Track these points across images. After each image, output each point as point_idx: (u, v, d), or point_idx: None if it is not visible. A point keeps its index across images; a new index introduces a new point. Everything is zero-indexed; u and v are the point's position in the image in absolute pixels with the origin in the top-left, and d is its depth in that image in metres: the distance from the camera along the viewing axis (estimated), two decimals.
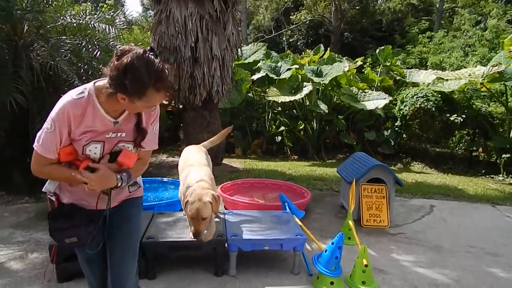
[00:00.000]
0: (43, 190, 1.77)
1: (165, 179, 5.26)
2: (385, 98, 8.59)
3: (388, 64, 9.97)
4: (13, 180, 4.73)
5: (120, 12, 5.72)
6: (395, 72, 9.89)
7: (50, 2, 5.18)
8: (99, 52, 5.13)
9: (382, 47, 10.25)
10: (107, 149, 1.66)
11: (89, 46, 5.16)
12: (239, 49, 6.86)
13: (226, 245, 2.97)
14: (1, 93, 4.15)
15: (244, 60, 9.61)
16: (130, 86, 1.47)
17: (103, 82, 1.60)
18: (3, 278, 2.82)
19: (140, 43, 6.80)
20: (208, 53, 6.03)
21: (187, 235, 2.99)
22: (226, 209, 4.09)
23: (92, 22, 5.19)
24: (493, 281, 3.12)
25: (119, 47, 1.55)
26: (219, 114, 7.13)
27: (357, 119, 9.33)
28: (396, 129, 9.08)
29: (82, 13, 5.50)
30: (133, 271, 1.90)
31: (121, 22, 5.57)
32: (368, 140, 9.07)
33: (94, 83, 1.63)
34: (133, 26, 12.36)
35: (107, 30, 5.25)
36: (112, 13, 5.59)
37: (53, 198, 1.73)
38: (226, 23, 6.21)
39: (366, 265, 2.85)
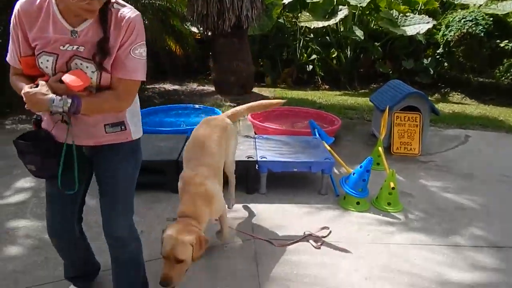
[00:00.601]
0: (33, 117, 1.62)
1: (197, 106, 5.37)
2: (428, 22, 7.89)
3: None
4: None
5: None
6: None
7: None
8: None
9: None
10: (60, 65, 1.42)
11: None
12: None
13: (256, 167, 3.11)
14: None
15: None
16: None
17: None
18: None
19: None
20: None
21: None
22: (256, 134, 4.19)
23: None
24: None
25: None
26: (249, 42, 6.92)
27: (395, 46, 8.74)
28: (437, 57, 8.47)
29: None
30: (126, 223, 1.70)
31: None
32: (405, 70, 8.59)
33: None
34: None
35: None
36: None
37: (33, 121, 1.60)
38: None
39: (393, 188, 2.92)
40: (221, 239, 2.40)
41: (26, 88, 1.38)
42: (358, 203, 2.96)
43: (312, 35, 9.32)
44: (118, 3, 1.46)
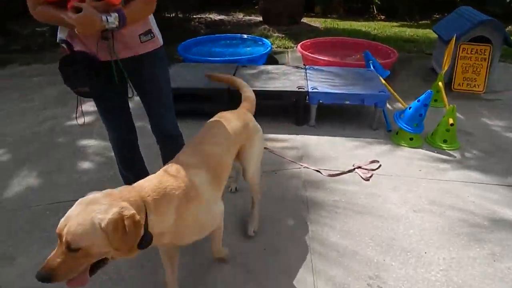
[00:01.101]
0: (57, 41, 1.63)
1: (245, 36, 5.23)
2: None
3: None
4: None
5: None
6: None
7: None
8: None
9: None
10: None
11: None
12: None
13: (307, 98, 3.07)
14: None
15: None
16: None
17: None
18: None
19: None
20: None
21: (270, 85, 3.12)
22: (305, 65, 4.06)
23: None
24: None
25: None
26: None
27: None
28: None
29: None
30: (173, 120, 1.89)
31: None
32: None
33: None
34: None
35: None
36: None
37: (65, 46, 1.59)
38: None
39: (451, 124, 2.78)
40: (215, 257, 1.82)
41: (69, 13, 1.37)
42: (411, 138, 2.87)
43: None
44: None
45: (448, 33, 3.85)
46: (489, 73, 3.79)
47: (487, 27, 3.70)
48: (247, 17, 7.63)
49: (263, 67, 3.56)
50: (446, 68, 3.49)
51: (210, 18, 7.52)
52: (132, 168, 2.02)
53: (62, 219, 1.08)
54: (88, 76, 1.57)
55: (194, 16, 7.20)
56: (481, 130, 3.15)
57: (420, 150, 2.85)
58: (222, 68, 3.48)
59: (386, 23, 7.61)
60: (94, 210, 1.08)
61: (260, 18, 6.88)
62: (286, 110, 3.25)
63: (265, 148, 2.76)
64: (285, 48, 5.21)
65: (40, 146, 2.86)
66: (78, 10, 1.36)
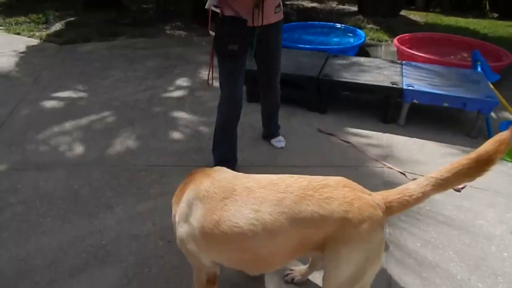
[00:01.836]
0: (206, 7, 1.98)
1: (338, 25, 5.07)
2: None
3: None
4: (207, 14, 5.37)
5: None
6: None
7: None
8: None
9: None
10: None
11: None
12: None
13: (400, 95, 2.89)
14: None
15: None
16: None
17: None
18: (208, 91, 3.43)
19: None
20: None
21: (361, 78, 3.01)
22: (399, 60, 3.81)
23: None
24: None
25: None
26: None
27: None
28: None
29: None
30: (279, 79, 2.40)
31: None
32: None
33: None
34: None
35: None
36: None
37: (218, 10, 1.93)
38: None
39: None
40: None
41: None
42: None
43: None
44: None
45: None
46: None
47: None
48: (341, 6, 7.36)
49: (355, 59, 3.44)
50: None
51: (302, 5, 7.43)
52: (236, 126, 2.32)
53: None
54: (238, 36, 1.97)
55: (287, 2, 7.18)
56: None
57: None
58: (313, 55, 3.45)
59: (500, 22, 6.71)
60: None
61: (355, 8, 6.59)
62: (374, 106, 3.11)
63: (347, 142, 2.70)
64: (379, 41, 4.94)
65: (140, 112, 3.17)
66: None
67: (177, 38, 5.28)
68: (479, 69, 3.22)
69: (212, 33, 2.01)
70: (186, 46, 4.84)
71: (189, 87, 3.63)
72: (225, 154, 2.34)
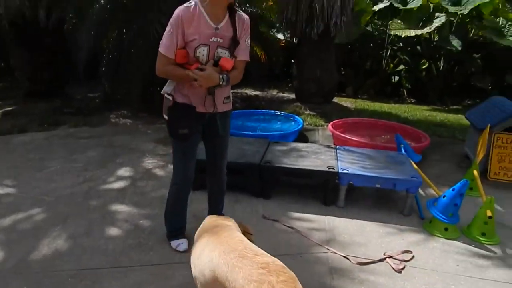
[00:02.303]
0: (161, 92, 2.14)
1: (278, 112, 5.47)
2: None
3: None
4: (156, 102, 5.53)
5: None
6: None
7: None
8: None
9: None
10: (211, 54, 2.03)
11: None
12: None
13: (337, 179, 3.07)
14: (146, 22, 4.69)
15: None
16: None
17: None
18: (152, 180, 3.50)
19: None
20: None
21: (300, 163, 3.18)
22: (335, 145, 4.13)
23: None
24: None
25: None
26: (333, 50, 6.84)
27: (498, 59, 7.85)
28: None
29: None
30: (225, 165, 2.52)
31: None
32: (508, 86, 7.66)
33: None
34: None
35: None
36: None
37: (170, 98, 2.10)
38: None
39: (490, 217, 2.64)
40: None
41: (196, 71, 1.96)
42: (446, 229, 2.74)
43: (401, 44, 8.84)
44: (238, 10, 2.12)
45: (482, 122, 3.85)
46: None
47: None
48: (281, 94, 8.05)
49: (294, 145, 3.66)
50: (481, 156, 3.43)
51: (246, 93, 8.01)
52: (187, 200, 2.44)
53: None
54: (188, 121, 2.13)
55: (231, 91, 7.70)
56: None
57: (456, 242, 2.70)
58: (254, 142, 3.62)
59: (417, 106, 7.74)
60: None
61: (293, 95, 7.24)
62: (314, 189, 3.24)
63: (291, 228, 2.73)
64: (316, 126, 5.38)
65: (75, 207, 2.98)
66: (201, 70, 1.97)
67: (122, 127, 5.30)
68: (403, 151, 3.58)
69: (165, 116, 2.16)
70: (131, 135, 4.85)
71: (131, 177, 3.54)
72: (179, 223, 2.50)
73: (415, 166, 3.27)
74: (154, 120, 5.39)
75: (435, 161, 4.23)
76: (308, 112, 6.09)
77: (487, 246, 2.65)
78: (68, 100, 6.66)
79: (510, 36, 7.23)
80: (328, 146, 3.66)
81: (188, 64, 2.03)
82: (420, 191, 3.37)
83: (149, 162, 3.93)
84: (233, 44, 2.06)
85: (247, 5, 5.97)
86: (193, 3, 2.00)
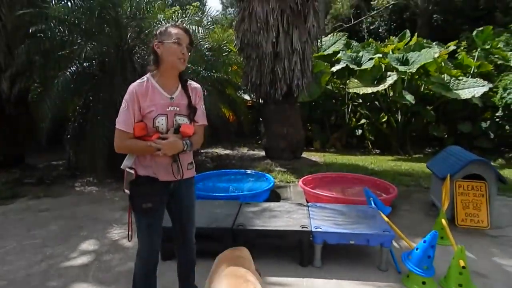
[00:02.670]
0: (121, 167, 2.09)
1: (249, 171, 5.50)
2: (483, 86, 7.71)
3: (488, 47, 8.88)
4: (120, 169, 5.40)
5: (207, 13, 6.07)
6: (496, 56, 8.77)
7: (148, 9, 5.74)
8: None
9: (481, 28, 9.18)
10: (170, 122, 2.06)
11: None
12: (319, 41, 6.80)
13: (311, 237, 3.03)
14: (112, 92, 4.76)
15: (323, 51, 9.45)
16: (159, 34, 2.09)
17: (149, 73, 2.13)
18: (118, 253, 3.29)
19: (224, 42, 7.17)
20: (289, 47, 6.10)
21: (273, 224, 3.13)
22: (307, 202, 4.15)
23: (184, 25, 5.61)
24: None
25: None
26: (299, 108, 7.18)
27: (449, 110, 8.54)
28: (497, 120, 8.09)
29: (174, 17, 5.99)
30: (194, 231, 2.41)
31: (208, 23, 5.93)
32: (462, 133, 8.26)
33: (146, 75, 2.12)
34: (215, 25, 13.01)
35: (196, 31, 5.64)
36: (200, 15, 5.98)
37: (132, 171, 2.05)
38: (306, 16, 6.20)
39: (463, 267, 2.66)
40: None
41: (158, 140, 1.98)
42: (424, 282, 2.71)
43: (360, 100, 9.45)
44: (188, 80, 2.22)
45: (441, 171, 4.05)
46: (490, 208, 3.83)
47: (479, 166, 3.91)
48: (251, 152, 8.17)
49: (266, 205, 3.64)
50: (446, 205, 3.54)
51: (216, 152, 8.06)
52: (155, 272, 2.28)
53: None
54: (152, 194, 2.08)
55: (202, 151, 7.72)
56: (496, 271, 3.00)
57: None
58: (226, 205, 3.56)
59: (382, 157, 8.08)
60: None
61: (263, 153, 7.35)
62: (290, 250, 3.17)
63: None
64: (287, 182, 5.42)
65: None
66: (163, 139, 1.99)
67: (87, 195, 5.07)
68: (372, 204, 3.64)
69: (127, 191, 2.10)
70: (96, 203, 4.64)
71: (96, 251, 3.31)
72: None
73: (386, 218, 3.31)
74: (121, 186, 5.19)
75: (405, 211, 4.31)
76: (278, 168, 6.16)
77: None
78: (29, 170, 6.37)
79: (455, 89, 7.95)
80: (300, 204, 3.65)
81: (148, 136, 2.03)
82: (395, 243, 3.38)
83: (115, 233, 3.72)
84: (191, 110, 2.13)
85: (213, 71, 6.25)
86: (145, 78, 2.08)
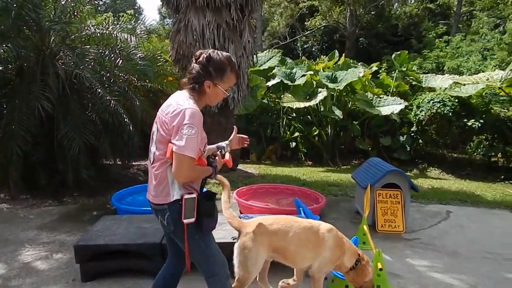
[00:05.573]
0: (177, 198, 1.89)
1: None
2: (400, 104, 8.56)
3: (404, 69, 9.92)
4: (39, 183, 4.94)
5: (141, 22, 5.91)
6: (411, 77, 9.83)
7: (75, 13, 5.42)
8: (120, 60, 5.34)
9: (398, 52, 10.22)
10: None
11: (112, 55, 5.37)
12: (254, 56, 6.99)
13: None
14: (30, 99, 4.37)
15: (259, 66, 9.75)
16: (214, 70, 1.93)
17: (186, 92, 1.97)
18: (30, 277, 2.97)
19: (159, 52, 7.02)
20: None
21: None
22: (241, 213, 4.18)
23: (115, 32, 5.41)
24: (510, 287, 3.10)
25: (198, 52, 2.00)
26: (235, 120, 7.26)
27: (372, 124, 9.31)
28: (412, 134, 9.02)
29: (104, 23, 5.74)
30: None
31: (142, 32, 5.78)
32: (383, 146, 9.03)
33: (187, 94, 1.95)
34: (151, 34, 12.70)
35: (128, 39, 5.46)
36: (133, 23, 5.81)
37: (194, 195, 1.91)
38: (242, 31, 6.36)
39: (380, 269, 2.88)
40: None
41: (216, 161, 2.05)
42: (347, 286, 2.88)
43: (294, 114, 9.87)
44: None
45: (364, 181, 4.38)
46: (405, 214, 4.23)
47: (395, 175, 4.31)
48: None
49: None
50: (367, 212, 3.82)
51: None
52: None
53: None
54: (213, 208, 2.04)
55: (134, 163, 7.38)
56: (408, 271, 3.30)
57: None
58: (155, 220, 3.42)
59: (313, 168, 8.48)
60: None
61: None
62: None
63: None
64: (221, 194, 5.40)
65: None
66: (214, 157, 2.07)
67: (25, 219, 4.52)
68: (302, 214, 3.79)
69: (188, 220, 1.90)
70: (7, 222, 4.16)
71: (2, 276, 2.95)
72: None
73: None
74: (37, 202, 4.78)
75: (332, 219, 4.56)
76: (214, 181, 6.12)
77: None
78: None
79: (377, 106, 8.72)
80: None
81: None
82: None
83: (28, 254, 3.37)
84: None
85: (147, 81, 6.07)
86: (191, 100, 1.91)
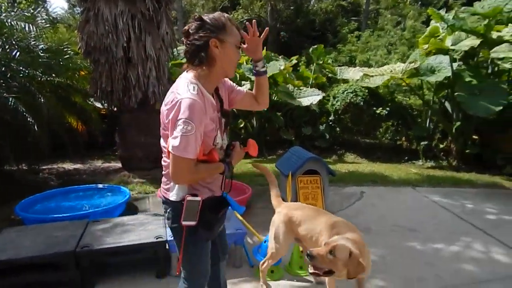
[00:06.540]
0: (173, 200, 1.76)
1: (101, 185, 5.02)
2: (318, 95, 9.06)
3: (321, 62, 10.51)
4: None
5: (42, 9, 5.30)
6: (327, 70, 10.46)
7: None
8: (18, 52, 4.74)
9: (315, 46, 10.78)
10: (222, 132, 1.79)
11: (6, 46, 4.74)
12: (175, 49, 6.77)
13: (166, 246, 2.97)
14: None
15: (181, 59, 9.48)
16: (213, 26, 1.62)
17: (191, 73, 1.69)
18: None
19: (66, 43, 6.37)
20: (142, 53, 5.87)
21: (125, 240, 2.94)
22: None
23: (9, 20, 4.76)
24: (414, 254, 3.53)
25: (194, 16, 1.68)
26: (156, 116, 6.98)
27: (295, 115, 9.73)
28: (330, 123, 9.65)
29: None
30: None
31: (43, 20, 5.19)
32: (305, 135, 9.51)
33: (189, 78, 1.67)
34: (58, 24, 11.48)
35: (26, 28, 4.86)
36: (32, 10, 5.18)
37: (198, 198, 1.71)
38: (159, 22, 6.09)
39: (302, 252, 3.05)
40: None
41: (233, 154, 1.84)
42: (272, 271, 2.99)
43: None
44: None
45: (286, 169, 4.57)
46: (325, 197, 4.52)
47: (314, 162, 4.57)
48: (106, 164, 7.50)
49: (118, 220, 3.39)
50: (290, 199, 4.01)
51: (63, 168, 7.08)
52: None
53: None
54: (222, 215, 1.91)
55: (43, 167, 6.67)
56: None
57: (282, 281, 2.98)
58: (69, 226, 3.15)
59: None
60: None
61: (120, 165, 6.85)
62: (148, 263, 3.03)
63: None
64: (146, 193, 5.19)
65: None
66: (227, 151, 1.84)
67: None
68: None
69: (188, 223, 1.72)
70: None
71: None
72: None
73: (239, 217, 3.52)
74: None
75: (259, 209, 4.68)
76: (137, 180, 5.84)
77: (305, 277, 3.02)
78: None
79: (298, 98, 9.13)
80: (156, 214, 3.54)
81: (204, 154, 1.70)
82: (249, 240, 3.62)
83: None
84: (225, 116, 1.82)
85: (53, 75, 5.49)
86: (195, 86, 1.62)
